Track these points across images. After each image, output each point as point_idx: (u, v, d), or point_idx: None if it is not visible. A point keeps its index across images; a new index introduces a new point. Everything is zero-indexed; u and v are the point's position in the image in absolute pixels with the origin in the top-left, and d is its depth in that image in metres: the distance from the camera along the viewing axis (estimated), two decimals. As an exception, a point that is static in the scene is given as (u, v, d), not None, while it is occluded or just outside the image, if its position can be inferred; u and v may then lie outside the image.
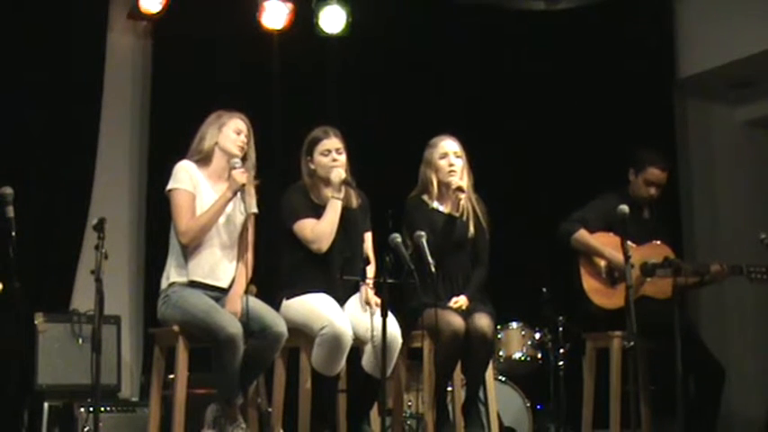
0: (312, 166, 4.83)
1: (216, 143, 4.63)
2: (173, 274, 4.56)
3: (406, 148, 5.32)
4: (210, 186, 4.61)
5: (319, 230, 4.70)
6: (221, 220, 4.57)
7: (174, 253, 4.58)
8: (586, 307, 5.31)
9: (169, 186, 4.58)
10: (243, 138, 4.65)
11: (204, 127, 4.68)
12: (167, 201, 4.60)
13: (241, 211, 4.59)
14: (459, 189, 4.97)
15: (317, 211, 4.76)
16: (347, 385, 4.84)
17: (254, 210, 4.70)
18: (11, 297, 4.25)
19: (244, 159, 4.62)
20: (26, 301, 4.62)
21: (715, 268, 5.30)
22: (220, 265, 4.58)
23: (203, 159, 4.63)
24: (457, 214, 5.00)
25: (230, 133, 4.63)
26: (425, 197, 5.09)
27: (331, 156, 4.78)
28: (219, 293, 4.56)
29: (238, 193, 4.53)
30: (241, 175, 4.52)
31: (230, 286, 4.59)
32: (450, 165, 5.03)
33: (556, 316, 5.86)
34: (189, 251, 4.54)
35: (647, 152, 5.53)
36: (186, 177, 4.56)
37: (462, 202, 5.00)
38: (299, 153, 4.89)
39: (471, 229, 5.03)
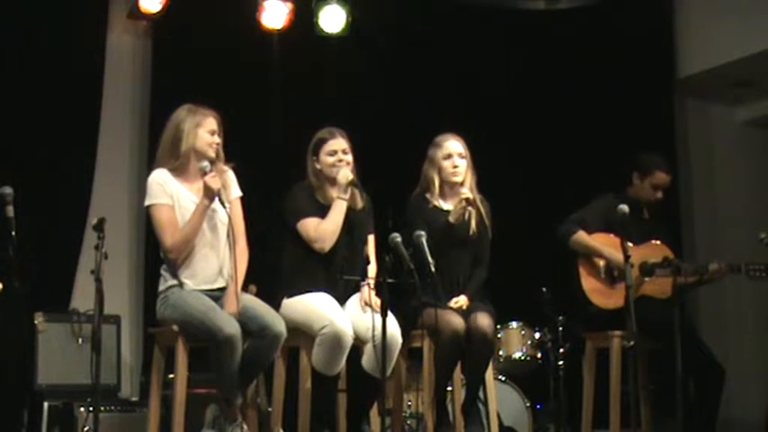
0: (318, 167, 4.83)
1: (192, 146, 4.53)
2: (168, 278, 4.53)
3: (406, 148, 5.32)
4: (188, 189, 4.54)
5: (323, 230, 4.70)
6: (206, 225, 4.50)
7: (167, 263, 4.53)
8: (586, 307, 5.30)
9: (147, 202, 4.51)
10: (217, 138, 4.57)
11: (177, 124, 4.55)
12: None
13: (224, 206, 4.49)
14: (468, 201, 4.95)
15: (322, 210, 4.75)
16: (347, 385, 4.83)
17: (237, 194, 4.66)
18: (11, 297, 4.25)
19: (213, 163, 4.52)
20: (26, 301, 4.62)
21: (713, 267, 5.29)
22: (213, 269, 4.54)
23: (179, 164, 4.53)
24: (456, 221, 4.99)
25: (206, 135, 4.54)
26: (428, 195, 5.09)
27: (337, 156, 4.79)
28: (219, 293, 4.54)
29: (216, 198, 4.44)
30: (213, 180, 4.43)
31: (227, 284, 4.56)
32: (455, 166, 5.04)
33: (556, 316, 5.86)
34: (180, 262, 4.49)
35: (653, 156, 5.52)
36: (161, 190, 4.48)
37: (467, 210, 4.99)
38: (299, 152, 4.89)
39: (473, 228, 5.02)
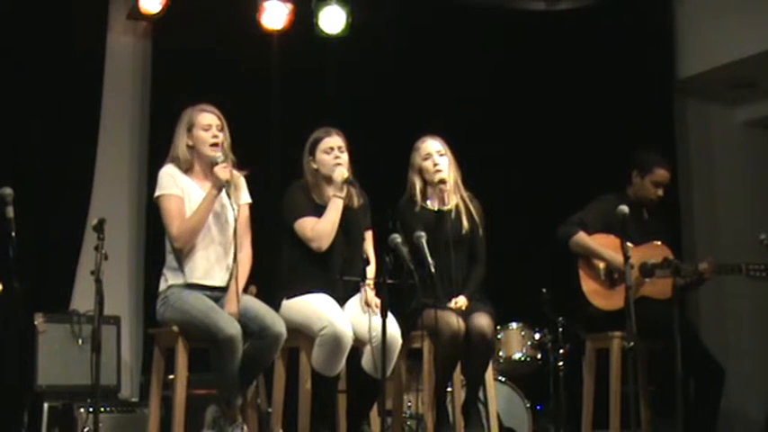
0: (315, 166, 4.83)
1: (190, 146, 4.58)
2: (170, 277, 4.55)
3: (406, 148, 5.31)
4: (198, 186, 4.57)
5: (320, 229, 4.70)
6: (212, 219, 4.54)
7: (170, 257, 4.57)
8: (586, 308, 5.30)
9: (156, 193, 4.55)
10: (214, 131, 4.59)
11: (176, 129, 4.63)
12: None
13: (232, 207, 4.53)
14: (441, 181, 4.99)
15: (319, 210, 4.76)
16: (347, 385, 4.83)
17: (246, 200, 4.69)
18: (11, 297, 4.25)
19: (226, 156, 4.56)
20: (26, 301, 4.62)
21: (703, 267, 5.29)
22: (216, 265, 4.56)
23: (183, 165, 4.58)
24: (445, 208, 5.01)
25: (200, 133, 4.58)
26: (414, 199, 5.09)
27: (333, 153, 4.79)
28: (219, 293, 4.55)
29: (224, 190, 4.49)
30: (223, 171, 4.47)
31: (228, 284, 4.57)
32: (435, 164, 5.04)
33: (556, 316, 5.85)
34: (184, 254, 4.51)
35: (652, 154, 5.53)
36: (171, 182, 4.53)
37: (451, 197, 5.01)
38: (299, 153, 4.90)
39: (465, 225, 5.03)
